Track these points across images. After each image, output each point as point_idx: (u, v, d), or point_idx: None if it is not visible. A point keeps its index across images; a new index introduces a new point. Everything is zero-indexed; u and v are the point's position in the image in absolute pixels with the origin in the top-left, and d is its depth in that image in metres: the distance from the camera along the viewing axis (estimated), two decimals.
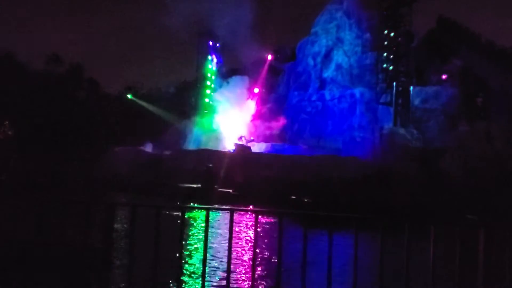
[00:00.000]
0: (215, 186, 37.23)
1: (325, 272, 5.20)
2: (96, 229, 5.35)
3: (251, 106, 60.12)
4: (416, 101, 50.36)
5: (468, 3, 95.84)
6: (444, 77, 51.17)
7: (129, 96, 64.41)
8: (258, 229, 5.57)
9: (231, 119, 57.97)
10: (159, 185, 38.52)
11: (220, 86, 60.70)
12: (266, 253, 16.00)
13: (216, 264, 13.25)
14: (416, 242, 5.20)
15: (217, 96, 60.05)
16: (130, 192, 36.47)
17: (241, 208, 11.03)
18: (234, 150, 50.19)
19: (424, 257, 5.13)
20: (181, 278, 10.96)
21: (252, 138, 55.09)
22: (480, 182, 32.81)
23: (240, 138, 53.26)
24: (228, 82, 60.73)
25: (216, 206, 23.20)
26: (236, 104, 58.82)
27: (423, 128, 49.21)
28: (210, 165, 39.47)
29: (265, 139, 56.44)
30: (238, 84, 59.40)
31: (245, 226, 21.92)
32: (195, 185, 37.89)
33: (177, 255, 5.38)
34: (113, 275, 10.79)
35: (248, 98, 60.03)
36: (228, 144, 54.09)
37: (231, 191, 36.77)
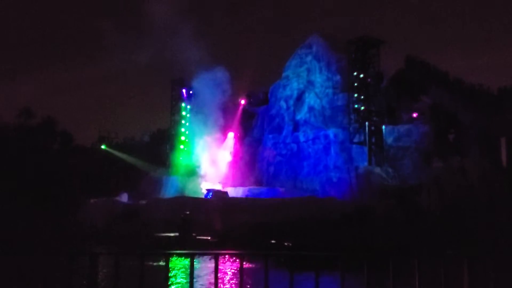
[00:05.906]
0: (193, 234, 36.73)
1: None
2: (79, 280, 5.22)
3: (229, 144, 60.03)
4: (389, 140, 50.94)
5: (434, 44, 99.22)
6: (415, 115, 52.03)
7: (103, 146, 63.92)
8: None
9: (210, 161, 57.84)
10: (135, 235, 37.80)
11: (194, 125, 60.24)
12: None
13: None
14: (400, 280, 5.19)
15: (196, 140, 59.66)
16: (107, 244, 35.68)
17: (226, 251, 10.87)
18: (211, 196, 49.78)
19: None
20: None
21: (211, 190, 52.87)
22: (457, 217, 33.05)
23: (209, 191, 51.85)
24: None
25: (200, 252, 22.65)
26: (214, 145, 58.65)
27: (398, 166, 49.66)
28: (187, 212, 39.05)
29: (242, 183, 56.28)
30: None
31: (223, 274, 21.48)
32: (172, 234, 37.31)
33: None
34: None
35: (225, 137, 59.92)
36: (205, 189, 53.69)
37: (209, 238, 36.30)
